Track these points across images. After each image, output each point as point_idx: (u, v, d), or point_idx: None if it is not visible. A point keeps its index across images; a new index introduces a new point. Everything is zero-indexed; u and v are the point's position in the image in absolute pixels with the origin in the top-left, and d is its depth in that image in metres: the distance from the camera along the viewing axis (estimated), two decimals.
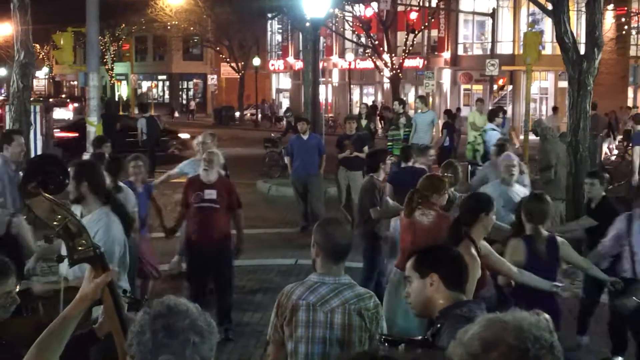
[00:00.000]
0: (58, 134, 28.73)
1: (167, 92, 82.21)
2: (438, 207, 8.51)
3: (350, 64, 54.79)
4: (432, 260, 4.45)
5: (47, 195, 3.93)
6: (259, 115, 62.54)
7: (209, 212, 10.22)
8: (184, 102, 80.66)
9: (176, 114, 44.60)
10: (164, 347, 2.89)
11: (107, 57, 66.41)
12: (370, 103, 42.55)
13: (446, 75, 54.00)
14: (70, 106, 67.25)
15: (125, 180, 10.73)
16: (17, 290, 4.50)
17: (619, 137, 31.87)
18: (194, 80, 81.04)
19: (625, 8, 43.11)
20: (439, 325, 4.14)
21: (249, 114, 64.15)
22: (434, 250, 4.71)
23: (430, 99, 43.83)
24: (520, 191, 10.29)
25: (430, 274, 4.32)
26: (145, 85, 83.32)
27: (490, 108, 25.59)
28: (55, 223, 3.86)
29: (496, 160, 11.80)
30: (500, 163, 10.89)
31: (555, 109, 36.00)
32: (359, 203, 11.64)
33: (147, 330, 2.92)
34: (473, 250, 6.67)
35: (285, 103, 65.25)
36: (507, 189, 10.33)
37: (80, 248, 3.85)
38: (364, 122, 23.14)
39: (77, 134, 27.13)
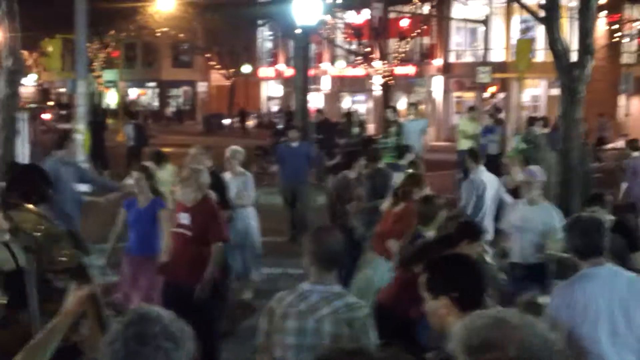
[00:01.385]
0: None
1: (156, 100, 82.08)
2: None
3: (341, 72, 54.78)
4: (442, 280, 4.19)
5: (29, 206, 3.87)
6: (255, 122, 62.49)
7: (179, 240, 8.93)
8: (174, 109, 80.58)
9: (149, 121, 44.85)
10: (135, 355, 2.88)
11: (95, 64, 66.31)
12: (352, 109, 42.85)
13: (438, 82, 54.00)
14: (49, 114, 67.01)
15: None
16: (4, 302, 4.48)
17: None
18: (184, 88, 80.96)
19: (619, 15, 43.16)
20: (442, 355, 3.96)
21: (248, 121, 63.04)
22: (445, 267, 4.36)
23: (422, 107, 43.80)
24: (543, 213, 9.44)
25: (440, 297, 4.12)
26: (134, 92, 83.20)
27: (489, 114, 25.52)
28: (37, 234, 3.86)
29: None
30: None
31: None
32: (331, 198, 11.90)
33: (118, 338, 2.91)
34: None
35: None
36: (527, 209, 9.54)
37: (62, 259, 3.88)
38: (355, 130, 23.06)
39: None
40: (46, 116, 61.17)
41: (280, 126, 25.22)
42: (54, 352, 3.74)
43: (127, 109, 40.94)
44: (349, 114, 46.97)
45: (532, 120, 19.84)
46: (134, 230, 9.98)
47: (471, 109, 25.69)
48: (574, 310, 5.46)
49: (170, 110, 76.22)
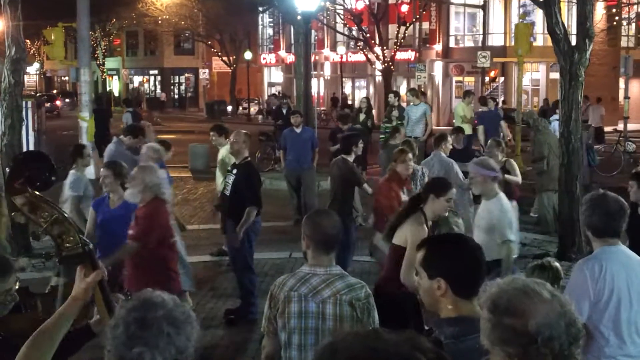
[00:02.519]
0: None
1: (158, 87, 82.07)
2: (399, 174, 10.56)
3: (342, 57, 54.75)
4: (440, 262, 3.96)
5: (33, 192, 3.91)
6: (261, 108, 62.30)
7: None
8: (176, 96, 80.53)
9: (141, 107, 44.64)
10: (137, 339, 2.91)
11: (98, 52, 66.30)
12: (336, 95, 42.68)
13: (438, 67, 54.00)
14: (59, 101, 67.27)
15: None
16: (16, 287, 4.53)
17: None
18: (186, 75, 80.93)
19: None
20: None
21: (251, 108, 62.75)
22: (445, 248, 4.13)
23: (426, 91, 43.83)
24: (492, 208, 8.61)
25: (437, 278, 3.89)
26: (136, 80, 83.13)
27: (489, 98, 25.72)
28: (42, 220, 3.86)
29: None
30: None
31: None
32: (337, 182, 11.87)
33: (121, 323, 2.94)
34: (422, 221, 7.35)
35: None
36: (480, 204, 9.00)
37: (68, 245, 3.84)
38: (362, 116, 23.16)
39: None
40: (57, 103, 61.59)
41: (284, 109, 25.38)
42: (68, 335, 3.81)
43: (125, 98, 40.96)
44: (334, 99, 46.99)
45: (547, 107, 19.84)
46: (102, 234, 8.89)
47: (467, 93, 25.78)
48: (597, 284, 5.43)
49: (164, 95, 76.01)
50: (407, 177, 11.08)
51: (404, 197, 10.47)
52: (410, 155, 10.88)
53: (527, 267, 7.08)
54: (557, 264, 6.63)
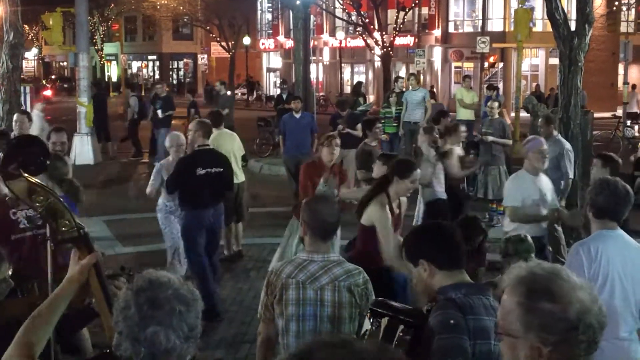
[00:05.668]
0: None
1: (157, 72, 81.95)
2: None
3: (341, 43, 54.67)
4: (415, 246, 4.32)
5: (28, 176, 3.90)
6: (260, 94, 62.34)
7: None
8: (175, 81, 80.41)
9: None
10: (150, 319, 2.94)
11: (96, 37, 66.20)
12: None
13: (437, 53, 53.91)
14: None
15: None
16: (9, 274, 4.51)
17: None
18: (184, 60, 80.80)
19: None
20: (433, 304, 4.08)
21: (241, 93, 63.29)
22: (417, 234, 4.49)
23: (421, 77, 43.81)
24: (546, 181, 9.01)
25: (419, 261, 4.19)
26: (135, 65, 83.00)
27: (487, 85, 25.73)
28: (37, 204, 3.84)
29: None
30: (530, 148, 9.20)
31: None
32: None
33: (132, 305, 2.97)
34: (385, 202, 7.38)
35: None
36: (533, 179, 8.94)
37: (63, 229, 3.82)
38: (361, 100, 23.17)
39: None
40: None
41: (284, 95, 25.33)
42: (68, 313, 3.80)
43: (129, 82, 40.89)
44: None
45: (539, 93, 19.85)
46: None
47: (466, 78, 25.78)
48: (591, 267, 5.44)
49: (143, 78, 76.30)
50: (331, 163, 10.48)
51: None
52: (337, 140, 10.36)
53: (503, 240, 7.45)
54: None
